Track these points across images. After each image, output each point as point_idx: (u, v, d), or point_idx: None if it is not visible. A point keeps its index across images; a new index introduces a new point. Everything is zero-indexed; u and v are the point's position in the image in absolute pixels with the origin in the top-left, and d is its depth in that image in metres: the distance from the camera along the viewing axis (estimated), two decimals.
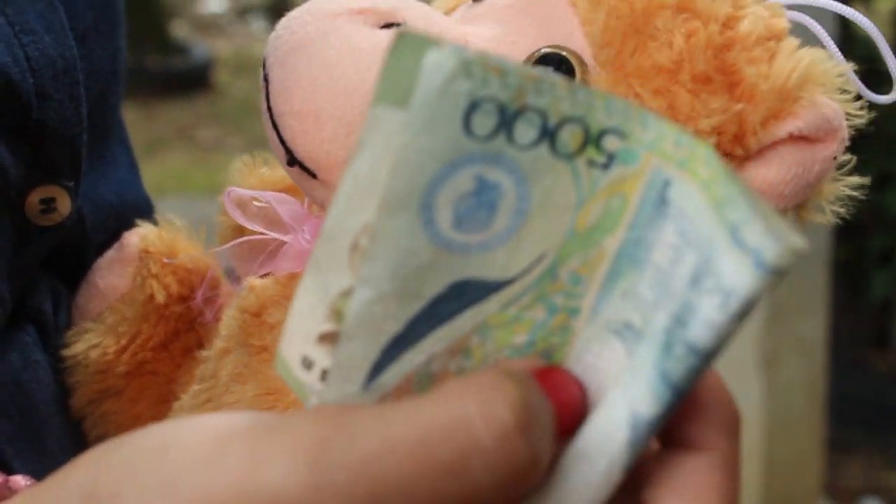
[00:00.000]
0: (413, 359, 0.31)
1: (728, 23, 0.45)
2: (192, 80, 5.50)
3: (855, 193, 0.47)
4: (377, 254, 0.29)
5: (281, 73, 0.45)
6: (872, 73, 0.49)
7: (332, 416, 0.29)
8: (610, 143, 0.30)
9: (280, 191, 0.53)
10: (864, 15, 0.48)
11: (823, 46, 0.48)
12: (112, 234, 0.59)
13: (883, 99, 0.48)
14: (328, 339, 0.31)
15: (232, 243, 0.53)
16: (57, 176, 0.54)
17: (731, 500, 0.31)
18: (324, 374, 0.31)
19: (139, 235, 0.57)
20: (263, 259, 0.52)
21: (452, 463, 0.28)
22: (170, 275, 0.56)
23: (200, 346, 0.54)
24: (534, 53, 0.45)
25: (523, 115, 0.29)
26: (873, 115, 0.47)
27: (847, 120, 0.46)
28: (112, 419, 0.57)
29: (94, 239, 0.60)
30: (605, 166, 0.30)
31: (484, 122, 0.28)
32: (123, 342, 0.56)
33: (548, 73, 0.29)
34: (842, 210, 0.48)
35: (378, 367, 0.31)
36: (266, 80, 0.46)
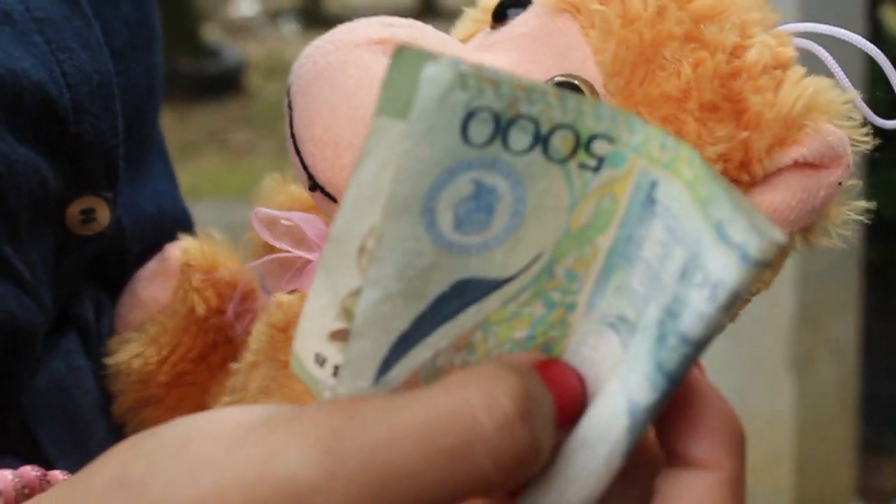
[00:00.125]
0: (420, 355, 0.33)
1: (735, 52, 0.46)
2: (224, 84, 5.54)
3: (861, 217, 0.48)
4: (383, 256, 0.31)
5: (303, 101, 0.46)
6: None
7: (343, 407, 0.30)
8: (599, 147, 0.32)
9: (308, 208, 0.54)
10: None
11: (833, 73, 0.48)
12: (151, 244, 0.61)
13: (890, 124, 0.49)
14: (339, 336, 0.33)
15: (262, 260, 0.55)
16: (96, 187, 0.55)
17: None
18: (336, 370, 0.33)
19: (181, 249, 0.59)
20: (290, 276, 0.53)
21: (456, 449, 0.30)
22: (210, 288, 0.57)
23: (235, 358, 0.55)
24: (547, 82, 0.46)
25: (517, 123, 0.30)
26: None
27: (853, 146, 0.47)
28: (151, 426, 0.59)
29: (133, 249, 0.61)
30: (596, 169, 0.32)
31: (480, 130, 0.30)
32: (164, 353, 0.58)
33: (539, 84, 0.30)
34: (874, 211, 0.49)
35: (387, 364, 0.32)
36: (290, 106, 0.47)
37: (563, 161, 0.31)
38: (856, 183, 0.48)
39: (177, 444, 0.31)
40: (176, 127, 4.57)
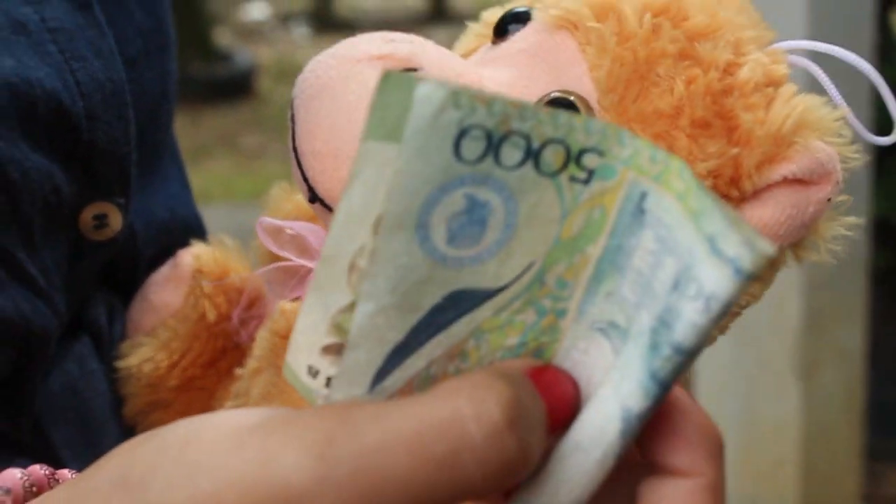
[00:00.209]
0: (414, 364, 0.34)
1: (729, 69, 0.47)
2: (235, 87, 5.55)
3: (850, 233, 0.49)
4: (377, 272, 0.32)
5: (305, 114, 0.47)
6: None
7: (336, 413, 0.31)
8: (589, 160, 0.33)
9: (314, 217, 0.55)
10: None
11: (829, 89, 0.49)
12: (163, 249, 0.62)
13: (883, 140, 0.50)
14: (331, 350, 0.34)
15: (267, 268, 0.56)
16: (108, 193, 0.56)
17: None
18: (328, 381, 0.34)
19: (193, 255, 0.60)
20: (294, 284, 0.54)
21: (446, 457, 0.31)
22: (221, 294, 0.59)
23: (242, 364, 0.57)
24: (544, 97, 0.47)
25: (509, 139, 0.31)
26: None
27: (843, 163, 0.47)
28: None
29: (145, 254, 0.62)
30: (586, 181, 0.33)
31: (473, 147, 0.31)
32: (175, 358, 0.59)
33: (529, 102, 0.31)
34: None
35: (382, 373, 0.33)
36: (293, 119, 0.48)
37: (554, 174, 0.32)
38: (846, 199, 0.48)
39: (176, 446, 0.32)
40: (187, 130, 4.58)
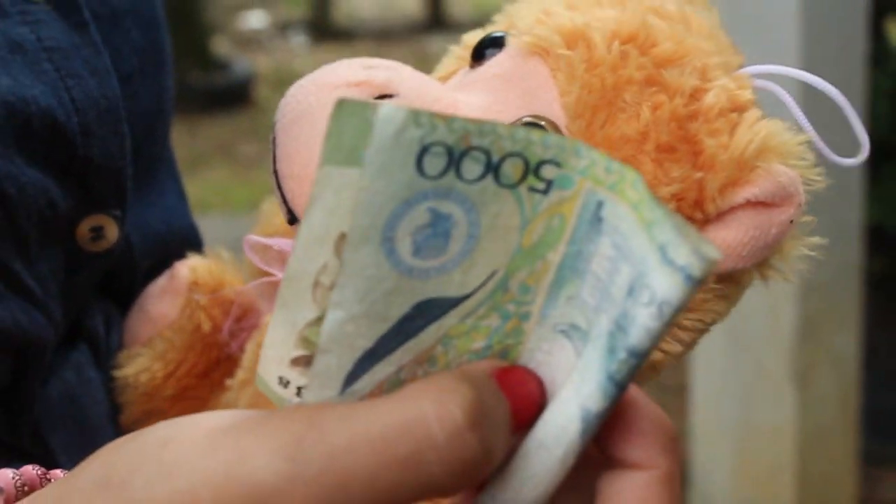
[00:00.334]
0: (384, 369, 0.35)
1: (695, 94, 0.48)
2: (233, 96, 5.56)
3: (813, 253, 0.50)
4: (345, 283, 0.33)
5: (285, 139, 0.48)
6: None
7: (306, 415, 0.33)
8: (547, 171, 0.34)
9: None
10: None
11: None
12: (159, 261, 0.64)
13: (848, 162, 0.51)
14: (300, 362, 0.36)
15: (254, 283, 0.57)
16: (104, 206, 0.58)
17: None
18: (299, 391, 0.36)
19: (189, 267, 0.61)
20: None
21: (409, 457, 0.32)
22: (216, 307, 0.60)
23: (234, 375, 0.58)
24: (516, 122, 0.48)
25: (469, 154, 0.33)
26: None
27: (806, 185, 0.48)
28: None
29: (142, 265, 0.64)
30: (545, 192, 0.35)
31: (434, 162, 0.32)
32: (171, 368, 0.60)
33: (488, 119, 0.33)
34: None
35: (352, 377, 0.35)
36: (274, 143, 0.49)
37: (514, 186, 0.34)
38: (809, 220, 0.49)
39: (155, 446, 0.34)
40: (185, 140, 4.59)
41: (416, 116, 0.32)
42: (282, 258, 0.55)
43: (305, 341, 0.35)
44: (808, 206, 0.50)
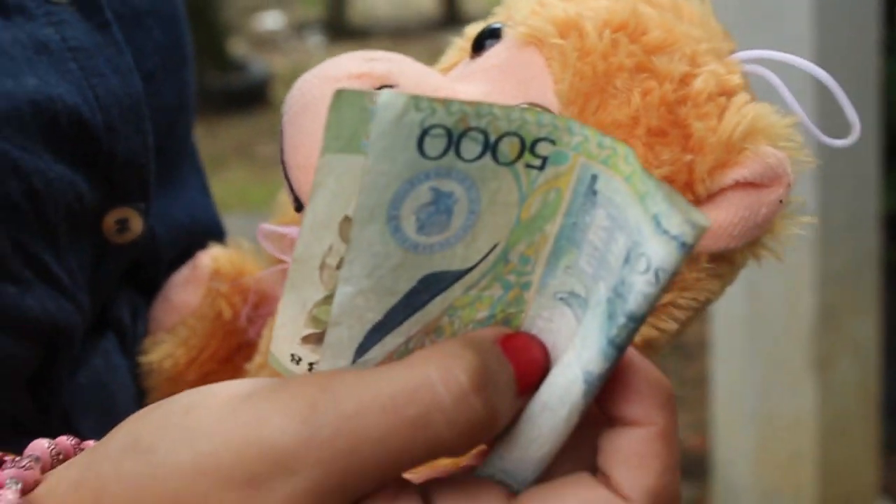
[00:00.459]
0: (393, 340, 0.37)
1: (685, 80, 0.49)
2: (250, 97, 5.57)
3: (803, 232, 0.51)
4: (354, 259, 0.35)
5: (291, 130, 0.50)
6: None
7: (319, 382, 0.35)
8: (543, 148, 0.36)
9: None
10: None
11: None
12: (183, 252, 0.66)
13: (839, 143, 0.52)
14: (310, 339, 0.38)
15: (270, 270, 0.59)
16: (129, 199, 0.60)
17: (669, 465, 0.37)
18: (310, 367, 0.38)
19: (211, 257, 0.64)
20: None
21: (418, 419, 0.34)
22: (237, 295, 0.62)
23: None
24: None
25: (468, 135, 0.34)
26: None
27: (795, 166, 0.50)
28: None
29: (166, 256, 0.66)
30: (541, 168, 0.36)
31: (435, 144, 0.34)
32: (193, 354, 0.63)
33: (484, 101, 0.35)
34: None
35: (362, 348, 0.37)
36: (282, 134, 0.51)
37: (511, 163, 0.36)
38: (799, 199, 0.51)
39: (179, 413, 0.36)
40: (203, 141, 4.59)
41: (415, 101, 0.33)
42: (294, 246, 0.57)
43: (315, 320, 0.37)
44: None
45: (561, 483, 0.37)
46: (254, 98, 5.57)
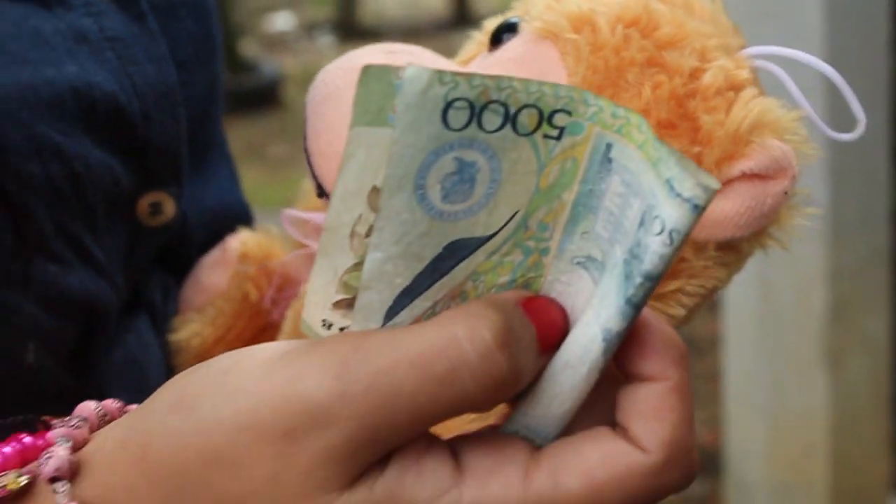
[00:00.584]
0: (421, 304, 0.39)
1: (695, 74, 0.51)
2: (261, 98, 5.58)
3: (809, 223, 0.53)
4: (383, 227, 0.36)
5: (314, 119, 0.52)
6: None
7: (351, 340, 0.37)
8: (560, 119, 0.37)
9: None
10: None
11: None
12: (213, 235, 0.68)
13: (845, 137, 0.53)
14: (341, 305, 0.39)
15: (294, 253, 0.61)
16: (163, 184, 0.62)
17: (684, 417, 0.39)
18: (341, 331, 0.40)
19: (240, 240, 0.66)
20: None
21: (445, 374, 0.36)
22: (263, 277, 0.65)
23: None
24: None
25: (489, 108, 0.36)
26: None
27: (800, 158, 0.51)
28: None
29: (196, 239, 0.68)
30: (558, 138, 0.38)
31: (458, 116, 0.35)
32: (220, 333, 0.65)
33: (504, 75, 0.37)
34: None
35: (392, 312, 0.39)
36: (305, 122, 0.53)
37: (530, 134, 0.37)
38: (804, 191, 0.52)
39: (220, 373, 0.38)
40: None
41: (440, 75, 0.35)
42: (318, 231, 0.59)
43: (346, 286, 0.39)
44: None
45: (582, 437, 0.39)
46: (265, 98, 5.58)
